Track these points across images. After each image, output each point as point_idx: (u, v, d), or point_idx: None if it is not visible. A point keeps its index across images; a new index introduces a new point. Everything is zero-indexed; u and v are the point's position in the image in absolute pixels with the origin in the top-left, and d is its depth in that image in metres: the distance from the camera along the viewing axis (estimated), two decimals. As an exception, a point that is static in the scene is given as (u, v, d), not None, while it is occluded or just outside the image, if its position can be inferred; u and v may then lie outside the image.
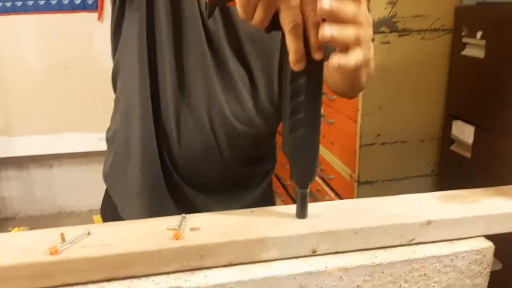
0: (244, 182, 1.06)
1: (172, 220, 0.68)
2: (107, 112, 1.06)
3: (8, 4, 2.57)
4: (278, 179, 2.81)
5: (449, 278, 0.70)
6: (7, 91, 2.78)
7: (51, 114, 2.81)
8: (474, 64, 1.55)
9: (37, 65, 2.75)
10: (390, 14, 1.61)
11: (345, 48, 0.56)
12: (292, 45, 0.57)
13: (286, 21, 0.56)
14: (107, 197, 1.07)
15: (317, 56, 0.58)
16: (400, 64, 1.67)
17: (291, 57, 0.58)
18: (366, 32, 0.58)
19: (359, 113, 1.71)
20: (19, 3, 2.58)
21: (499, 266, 0.79)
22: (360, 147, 1.71)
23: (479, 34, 1.49)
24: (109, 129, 1.06)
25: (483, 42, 1.48)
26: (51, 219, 3.10)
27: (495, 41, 1.45)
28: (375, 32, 1.61)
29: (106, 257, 0.61)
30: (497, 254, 0.74)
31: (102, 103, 2.09)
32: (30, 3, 2.59)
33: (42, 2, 2.60)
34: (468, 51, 1.59)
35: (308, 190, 0.68)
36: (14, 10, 2.59)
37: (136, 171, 0.96)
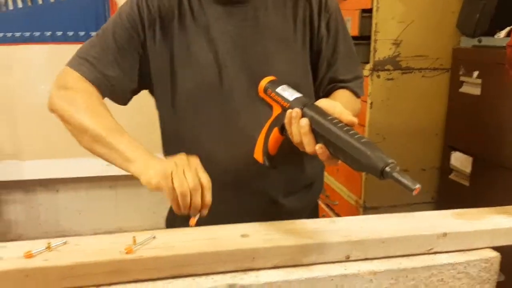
0: None
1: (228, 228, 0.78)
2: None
3: (27, 34, 2.69)
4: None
5: (462, 284, 0.80)
6: (17, 117, 2.85)
7: (60, 140, 2.88)
8: (471, 100, 1.68)
9: (47, 93, 2.84)
10: (394, 54, 1.76)
11: None
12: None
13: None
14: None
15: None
16: (403, 98, 1.81)
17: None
18: None
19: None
20: (36, 34, 2.71)
21: (502, 278, 0.90)
22: (366, 174, 1.82)
23: (475, 73, 1.63)
24: None
25: (479, 81, 1.62)
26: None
27: (490, 81, 1.58)
28: (381, 69, 1.75)
29: (173, 257, 0.70)
30: (500, 268, 0.84)
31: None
32: (48, 33, 2.71)
33: (59, 33, 2.72)
34: (465, 89, 1.72)
35: (389, 170, 0.63)
36: (31, 40, 2.71)
37: None
